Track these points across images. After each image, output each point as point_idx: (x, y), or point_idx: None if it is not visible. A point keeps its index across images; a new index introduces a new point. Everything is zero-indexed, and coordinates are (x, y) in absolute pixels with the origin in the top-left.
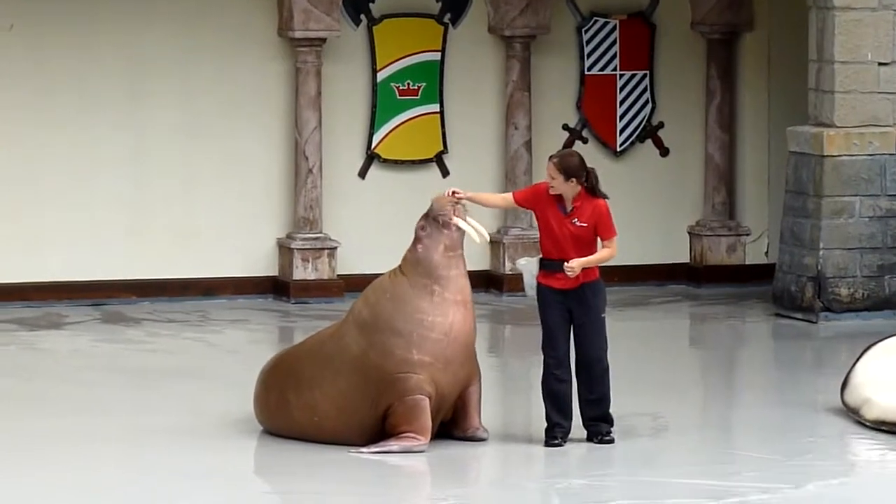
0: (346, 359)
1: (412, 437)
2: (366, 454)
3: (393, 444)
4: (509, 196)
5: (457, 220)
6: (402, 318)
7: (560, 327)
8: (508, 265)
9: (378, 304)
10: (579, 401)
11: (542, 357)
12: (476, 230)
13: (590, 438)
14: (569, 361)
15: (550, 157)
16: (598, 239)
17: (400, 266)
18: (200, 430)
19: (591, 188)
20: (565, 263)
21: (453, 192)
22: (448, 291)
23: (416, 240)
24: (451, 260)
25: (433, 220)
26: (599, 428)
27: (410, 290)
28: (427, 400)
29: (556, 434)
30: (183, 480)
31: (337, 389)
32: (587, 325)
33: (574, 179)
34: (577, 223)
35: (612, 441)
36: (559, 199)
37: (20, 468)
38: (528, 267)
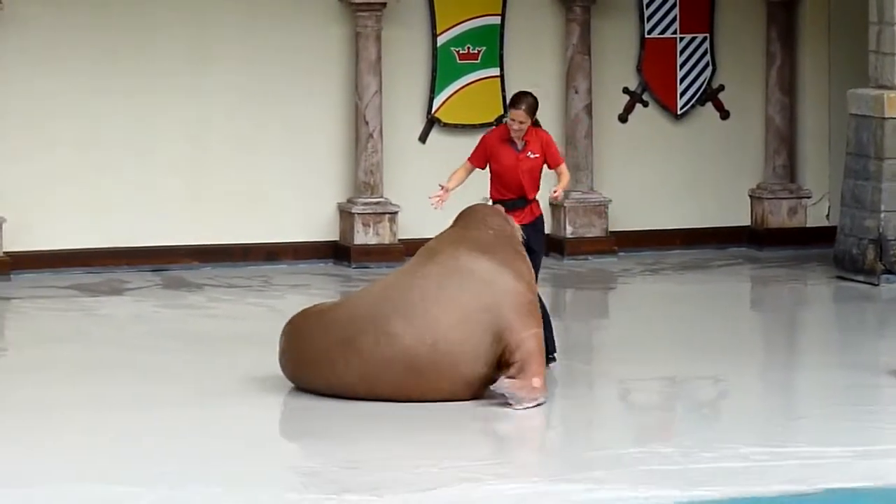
0: (465, 276)
1: (542, 385)
2: (523, 409)
3: (539, 396)
4: (468, 164)
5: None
6: (514, 245)
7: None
8: (570, 229)
9: (489, 234)
10: None
11: None
12: None
13: None
14: None
15: (516, 106)
16: (547, 168)
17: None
18: (263, 395)
19: (536, 121)
20: (555, 192)
21: (442, 187)
22: None
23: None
24: None
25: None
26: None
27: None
28: None
29: (550, 350)
30: (247, 445)
31: (457, 302)
32: (536, 253)
33: (534, 116)
34: (532, 156)
35: (554, 360)
36: (510, 140)
37: (83, 434)
38: None
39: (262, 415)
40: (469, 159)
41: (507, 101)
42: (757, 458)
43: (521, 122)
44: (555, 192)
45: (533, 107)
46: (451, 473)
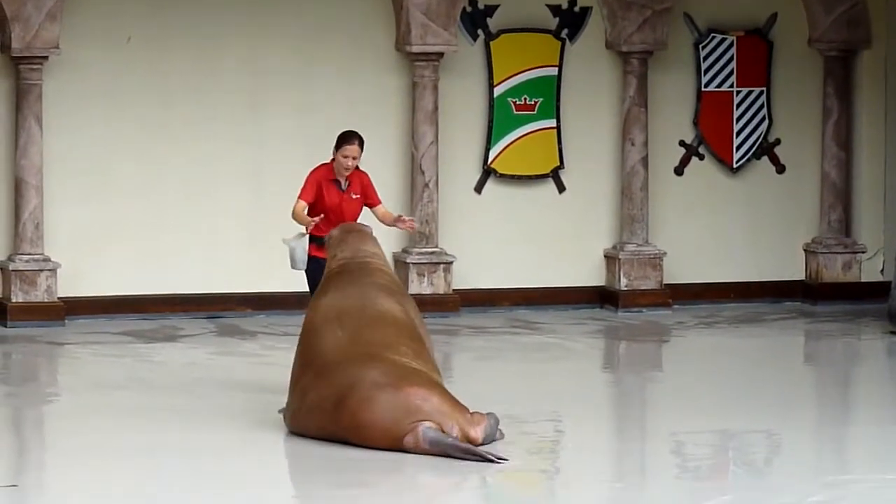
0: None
1: None
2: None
3: None
4: (303, 203)
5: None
6: None
7: None
8: (624, 281)
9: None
10: None
11: None
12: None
13: None
14: None
15: (349, 142)
16: (367, 207)
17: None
18: (316, 443)
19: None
20: (412, 221)
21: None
22: None
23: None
24: None
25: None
26: None
27: None
28: None
29: None
30: (299, 492)
31: None
32: None
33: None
34: (354, 196)
35: None
36: (335, 179)
37: (136, 480)
38: (296, 244)
39: (317, 462)
40: (301, 197)
41: (336, 140)
42: None
43: (354, 158)
44: (407, 220)
45: (363, 143)
46: None
